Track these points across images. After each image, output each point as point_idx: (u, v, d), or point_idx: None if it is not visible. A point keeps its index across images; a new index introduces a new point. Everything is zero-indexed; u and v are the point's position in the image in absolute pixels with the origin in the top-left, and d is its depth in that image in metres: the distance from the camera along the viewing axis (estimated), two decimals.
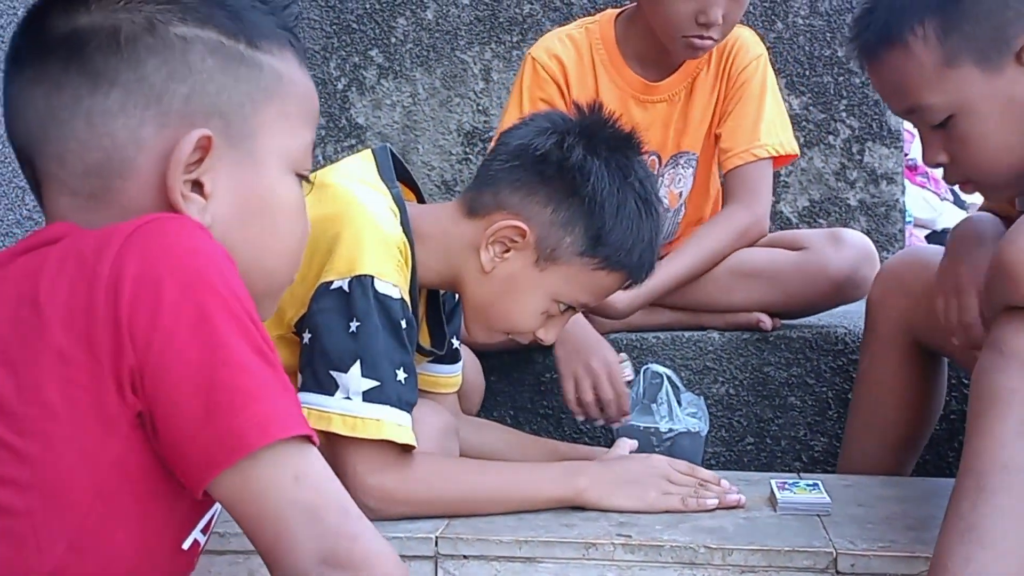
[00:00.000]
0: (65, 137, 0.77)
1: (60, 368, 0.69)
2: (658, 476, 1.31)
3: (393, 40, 2.32)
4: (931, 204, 4.79)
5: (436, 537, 1.20)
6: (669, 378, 1.78)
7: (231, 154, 0.79)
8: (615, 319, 1.82)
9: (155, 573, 0.76)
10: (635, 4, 1.85)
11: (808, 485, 1.36)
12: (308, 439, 0.73)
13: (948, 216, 5.01)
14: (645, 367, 1.79)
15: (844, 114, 2.27)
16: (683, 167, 1.95)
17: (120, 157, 0.77)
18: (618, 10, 1.93)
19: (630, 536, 1.20)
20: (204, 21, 0.78)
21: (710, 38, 1.75)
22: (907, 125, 2.33)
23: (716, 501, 1.30)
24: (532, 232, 1.27)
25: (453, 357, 1.49)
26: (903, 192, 2.30)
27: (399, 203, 1.31)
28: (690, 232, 2.02)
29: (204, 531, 0.79)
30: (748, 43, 1.91)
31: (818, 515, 1.28)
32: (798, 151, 1.95)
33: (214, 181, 0.78)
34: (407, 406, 1.21)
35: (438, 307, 1.43)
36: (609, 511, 1.28)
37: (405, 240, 1.28)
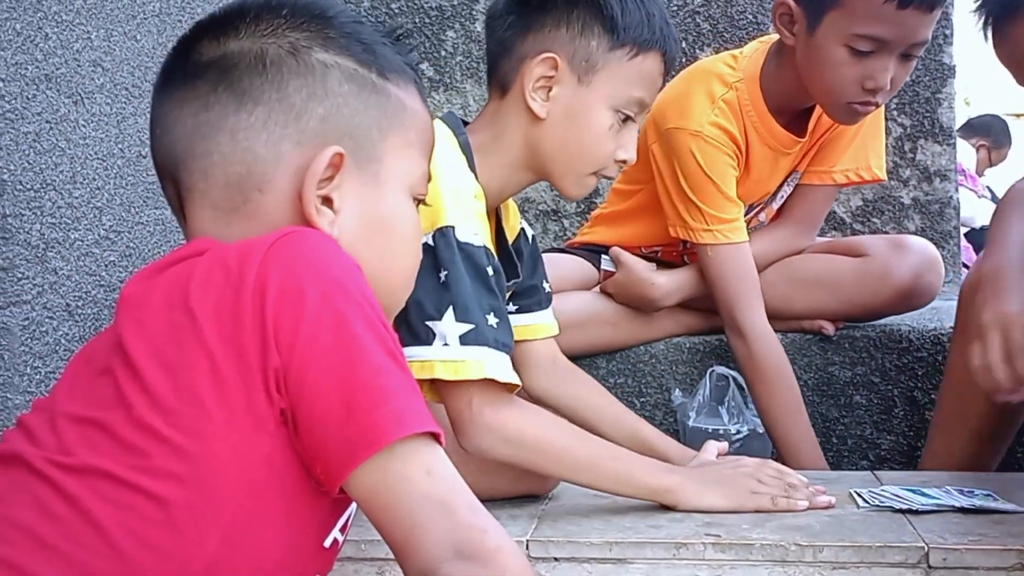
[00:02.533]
0: (210, 152, 0.82)
1: (212, 369, 0.73)
2: (747, 476, 1.32)
3: (443, 53, 2.34)
4: (969, 202, 4.78)
5: (527, 540, 1.22)
6: (735, 380, 1.79)
7: (359, 174, 0.84)
8: (660, 304, 1.84)
9: (300, 569, 0.79)
10: (779, 59, 1.75)
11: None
12: (436, 438, 0.76)
13: (986, 214, 5.00)
14: (711, 369, 1.80)
15: (895, 112, 2.27)
16: (788, 185, 1.91)
17: (259, 171, 0.82)
18: (759, 60, 1.79)
19: (719, 535, 1.21)
20: (342, 50, 0.85)
21: (875, 104, 1.66)
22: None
23: (806, 503, 1.30)
24: (561, 56, 1.31)
25: (547, 300, 1.50)
26: (956, 189, 2.30)
27: (466, 150, 1.34)
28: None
29: (342, 531, 0.82)
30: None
31: (908, 511, 1.28)
32: (884, 176, 1.89)
33: (342, 198, 0.83)
34: (504, 347, 1.22)
35: (505, 242, 1.43)
36: (698, 511, 1.28)
37: (480, 188, 1.31)
